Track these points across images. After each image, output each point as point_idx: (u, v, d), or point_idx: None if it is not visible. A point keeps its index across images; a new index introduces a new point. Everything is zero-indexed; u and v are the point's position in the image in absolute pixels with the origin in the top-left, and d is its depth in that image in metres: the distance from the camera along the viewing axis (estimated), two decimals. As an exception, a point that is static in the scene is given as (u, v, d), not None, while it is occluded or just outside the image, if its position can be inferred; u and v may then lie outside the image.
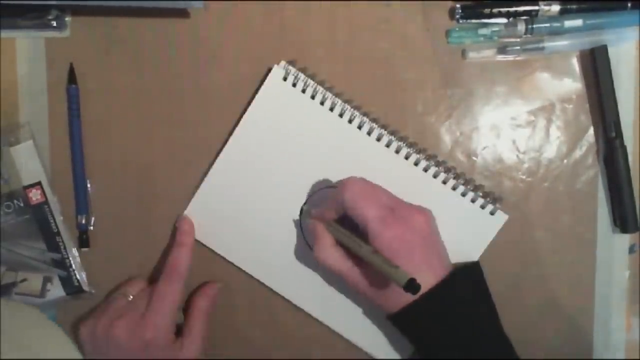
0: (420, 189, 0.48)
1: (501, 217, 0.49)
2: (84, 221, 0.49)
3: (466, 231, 0.49)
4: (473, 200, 0.49)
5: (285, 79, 0.48)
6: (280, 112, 0.48)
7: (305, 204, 0.49)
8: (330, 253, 0.44)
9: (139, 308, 0.46)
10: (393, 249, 0.41)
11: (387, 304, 0.44)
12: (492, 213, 0.49)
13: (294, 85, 0.48)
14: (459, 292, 0.43)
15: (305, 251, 0.49)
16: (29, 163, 0.49)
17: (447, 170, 0.49)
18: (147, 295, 0.47)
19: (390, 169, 0.48)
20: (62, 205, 0.49)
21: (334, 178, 0.49)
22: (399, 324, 0.44)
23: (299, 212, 0.49)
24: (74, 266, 0.49)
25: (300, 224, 0.49)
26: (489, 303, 0.45)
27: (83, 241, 0.49)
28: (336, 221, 0.45)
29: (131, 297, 0.47)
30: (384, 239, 0.42)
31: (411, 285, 0.38)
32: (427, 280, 0.41)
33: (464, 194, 0.49)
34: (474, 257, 0.49)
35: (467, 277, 0.45)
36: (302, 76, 0.48)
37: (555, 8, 0.48)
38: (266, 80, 0.48)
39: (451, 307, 0.42)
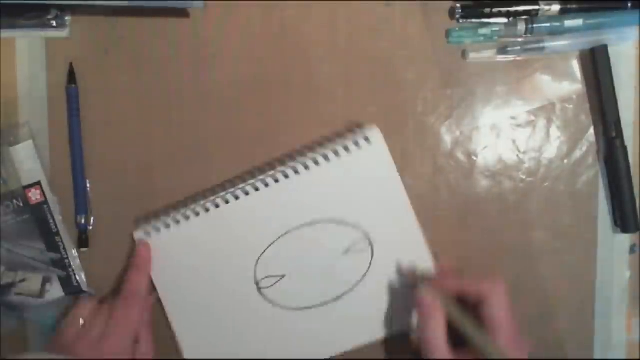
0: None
1: (373, 131, 0.47)
2: (83, 221, 0.49)
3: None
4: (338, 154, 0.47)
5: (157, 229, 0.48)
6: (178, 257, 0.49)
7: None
8: (441, 336, 0.41)
9: (95, 332, 0.45)
10: (510, 341, 0.40)
11: None
12: (365, 141, 0.47)
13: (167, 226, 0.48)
14: None
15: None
16: (28, 163, 0.48)
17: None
18: (104, 319, 0.46)
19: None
20: (62, 205, 0.49)
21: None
22: None
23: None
24: (73, 266, 0.49)
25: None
26: None
27: (82, 241, 0.49)
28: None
29: (82, 320, 0.46)
30: (504, 329, 0.41)
31: None
32: None
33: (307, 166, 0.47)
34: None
35: None
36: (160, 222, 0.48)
37: (556, 8, 0.48)
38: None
39: None
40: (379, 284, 0.49)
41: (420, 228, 0.48)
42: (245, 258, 0.49)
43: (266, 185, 0.48)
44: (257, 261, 0.49)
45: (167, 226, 0.48)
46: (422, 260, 0.48)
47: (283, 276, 0.49)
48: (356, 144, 0.47)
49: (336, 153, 0.47)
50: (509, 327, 0.41)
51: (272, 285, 0.49)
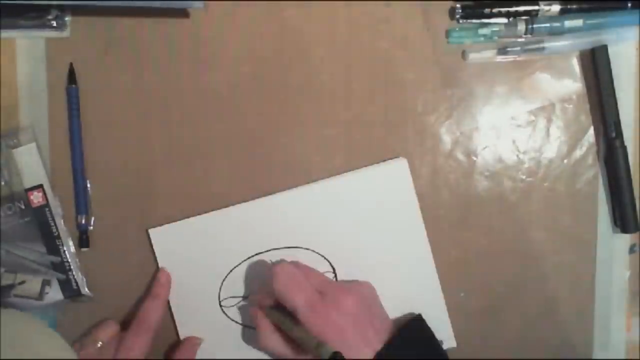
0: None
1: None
2: (83, 221, 0.49)
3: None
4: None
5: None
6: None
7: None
8: (271, 339, 0.45)
9: (106, 356, 0.46)
10: (324, 333, 0.42)
11: None
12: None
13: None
14: (402, 353, 0.44)
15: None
16: (31, 165, 0.48)
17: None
18: (115, 344, 0.47)
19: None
20: (62, 205, 0.49)
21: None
22: None
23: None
24: (73, 270, 0.49)
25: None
26: (437, 355, 0.45)
27: (83, 241, 0.49)
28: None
29: (100, 343, 0.47)
30: (313, 326, 0.43)
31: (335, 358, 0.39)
32: (366, 355, 0.42)
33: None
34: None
35: (409, 337, 0.45)
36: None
37: (556, 8, 0.48)
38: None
39: None
40: None
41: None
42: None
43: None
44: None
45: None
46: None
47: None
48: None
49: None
50: (299, 298, 0.44)
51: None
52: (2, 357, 0.35)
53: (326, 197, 0.49)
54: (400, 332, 0.44)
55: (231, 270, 0.50)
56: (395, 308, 0.49)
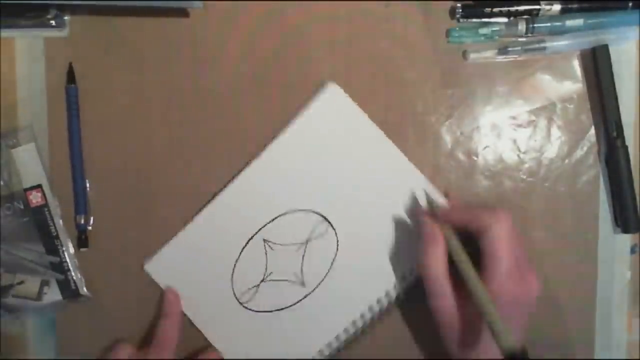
0: None
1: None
2: (82, 221, 0.49)
3: None
4: None
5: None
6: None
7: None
8: (441, 264, 0.41)
9: None
10: (506, 308, 0.39)
11: (464, 353, 0.41)
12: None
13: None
14: None
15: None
16: (30, 165, 0.48)
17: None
18: None
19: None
20: (61, 205, 0.49)
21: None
22: None
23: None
24: (72, 270, 0.49)
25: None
26: None
27: (82, 241, 0.49)
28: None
29: None
30: (504, 293, 0.39)
31: (516, 356, 0.36)
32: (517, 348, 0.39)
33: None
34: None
35: None
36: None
37: (556, 7, 0.48)
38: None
39: None
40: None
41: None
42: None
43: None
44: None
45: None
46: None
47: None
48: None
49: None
50: (509, 258, 0.40)
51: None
52: None
53: (289, 151, 0.48)
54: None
55: (235, 263, 0.49)
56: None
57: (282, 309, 0.49)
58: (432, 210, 0.46)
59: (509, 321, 0.38)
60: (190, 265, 0.49)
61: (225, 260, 0.49)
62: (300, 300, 0.49)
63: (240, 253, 0.49)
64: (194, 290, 0.49)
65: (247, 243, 0.49)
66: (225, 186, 0.49)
